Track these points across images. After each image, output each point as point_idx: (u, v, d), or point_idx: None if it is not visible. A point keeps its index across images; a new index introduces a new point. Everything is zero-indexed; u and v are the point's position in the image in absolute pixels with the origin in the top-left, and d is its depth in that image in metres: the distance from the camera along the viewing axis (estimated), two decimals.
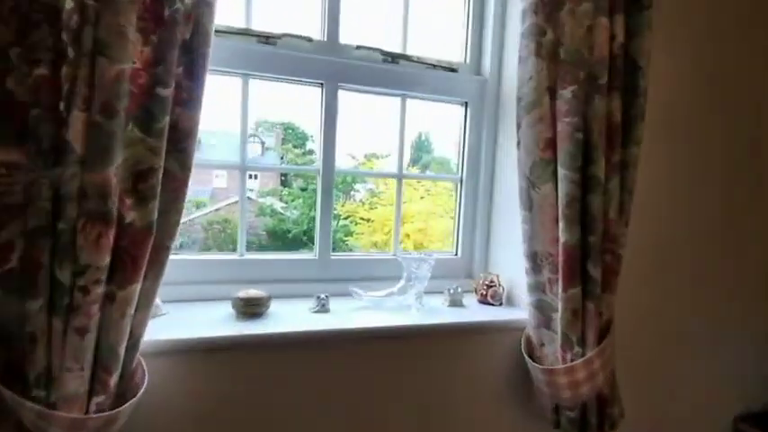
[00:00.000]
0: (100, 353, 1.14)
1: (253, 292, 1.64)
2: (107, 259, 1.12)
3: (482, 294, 1.96)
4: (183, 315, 1.60)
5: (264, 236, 11.34)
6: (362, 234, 8.53)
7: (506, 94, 2.06)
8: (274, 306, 1.69)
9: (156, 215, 1.24)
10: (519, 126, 1.63)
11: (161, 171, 1.24)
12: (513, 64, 1.97)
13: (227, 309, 1.64)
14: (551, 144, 1.58)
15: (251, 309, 1.60)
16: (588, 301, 1.58)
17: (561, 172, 1.55)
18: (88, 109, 1.09)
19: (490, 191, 2.13)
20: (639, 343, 2.03)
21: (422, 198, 8.45)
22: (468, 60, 2.15)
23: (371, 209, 8.65)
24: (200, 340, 1.43)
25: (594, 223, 1.56)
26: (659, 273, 2.06)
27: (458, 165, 2.19)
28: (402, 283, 1.85)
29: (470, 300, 1.97)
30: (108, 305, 1.14)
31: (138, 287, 1.20)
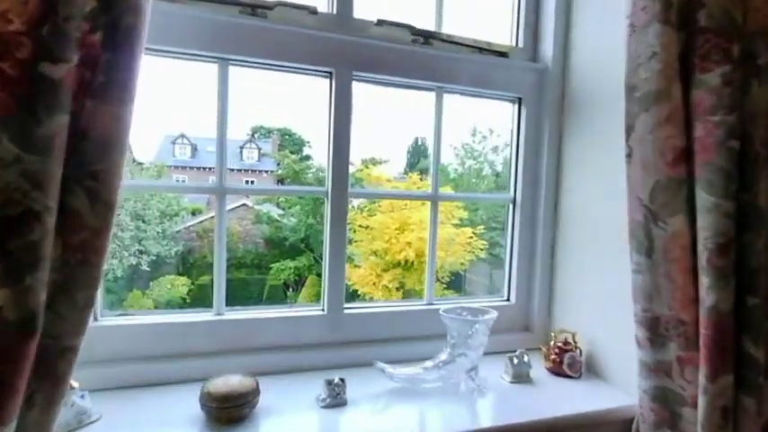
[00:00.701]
0: None
1: (234, 381, 1.06)
2: None
3: (554, 361, 1.38)
4: (125, 417, 1.02)
5: (262, 244, 10.64)
6: (361, 242, 7.94)
7: (576, 89, 1.49)
8: (266, 397, 1.10)
9: (40, 299, 0.66)
10: (630, 130, 1.06)
11: (51, 216, 0.66)
12: (587, 47, 1.41)
13: (194, 406, 1.05)
14: (686, 156, 1.01)
15: (229, 413, 1.01)
16: (745, 394, 1.01)
17: (703, 198, 0.98)
18: None
19: (553, 217, 1.56)
20: None
21: (423, 204, 7.87)
22: (520, 43, 1.58)
23: (370, 216, 8.07)
24: None
25: (756, 278, 0.99)
26: None
27: (510, 180, 1.61)
28: (447, 352, 1.27)
29: (537, 368, 1.39)
30: None
31: None
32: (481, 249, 7.71)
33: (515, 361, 1.32)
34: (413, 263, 7.41)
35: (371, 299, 7.56)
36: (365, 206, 8.27)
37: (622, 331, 1.22)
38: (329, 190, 1.34)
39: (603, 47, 1.38)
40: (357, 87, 1.35)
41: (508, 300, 1.61)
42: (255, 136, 19.24)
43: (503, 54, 1.53)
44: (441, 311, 1.26)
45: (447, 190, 8.27)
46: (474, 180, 10.64)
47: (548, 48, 1.53)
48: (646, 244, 1.05)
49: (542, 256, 1.55)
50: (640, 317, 1.08)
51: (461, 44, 1.48)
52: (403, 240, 7.34)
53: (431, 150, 1.51)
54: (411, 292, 7.68)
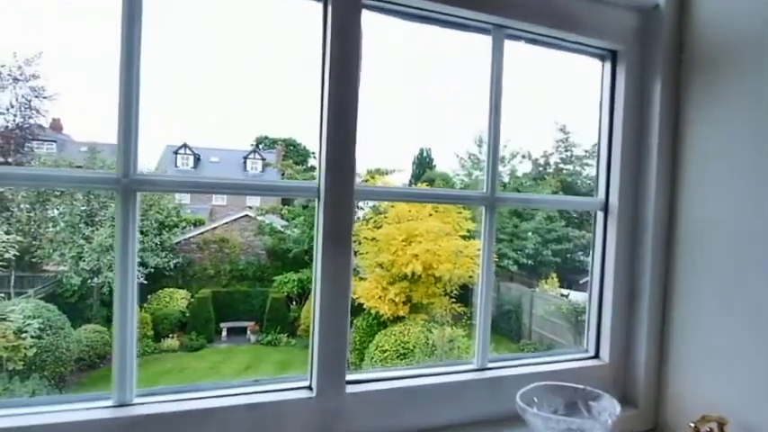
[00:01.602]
0: None
1: None
2: None
3: None
4: None
5: (264, 255, 10.07)
6: (367, 254, 7.35)
7: (703, 36, 0.92)
8: None
9: None
10: None
11: None
12: None
13: None
14: None
15: None
16: None
17: None
18: None
19: (667, 231, 0.97)
20: None
21: (429, 215, 7.27)
22: None
23: (376, 227, 7.49)
24: None
25: None
26: None
27: (598, 176, 1.03)
28: None
29: None
30: None
31: None
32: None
33: None
34: (420, 276, 6.80)
35: (377, 313, 6.94)
36: (370, 217, 7.70)
37: None
38: (321, 186, 0.76)
39: None
40: (369, 19, 0.79)
41: (597, 357, 1.01)
42: (260, 147, 18.76)
43: None
44: (518, 401, 0.68)
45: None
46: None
47: None
48: None
49: (652, 291, 0.96)
50: None
51: None
52: (410, 252, 6.73)
53: (486, 136, 0.93)
54: (418, 306, 7.07)
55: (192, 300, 8.47)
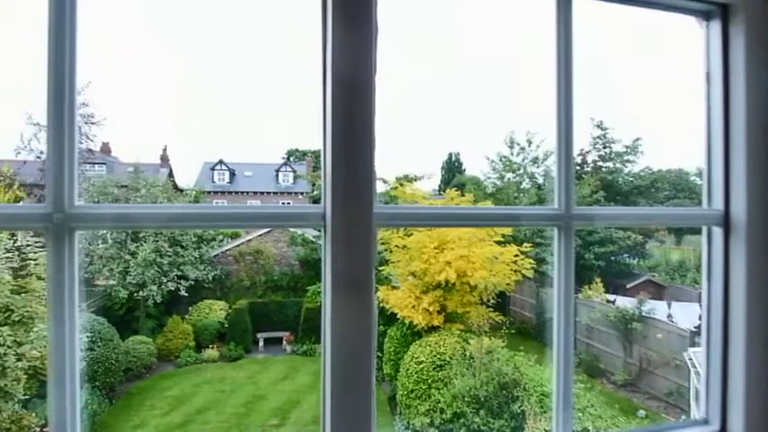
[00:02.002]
0: None
1: None
2: None
3: None
4: None
5: (297, 266, 9.99)
6: (399, 262, 7.09)
7: None
8: None
9: None
10: None
11: None
12: None
13: None
14: None
15: None
16: None
17: None
18: None
19: None
20: None
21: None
22: None
23: (407, 235, 7.22)
24: None
25: None
26: None
27: (708, 179, 0.74)
28: None
29: None
30: None
31: None
32: (527, 269, 6.69)
33: None
34: (454, 284, 6.47)
35: (411, 323, 6.67)
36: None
37: None
38: (326, 211, 0.52)
39: None
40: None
41: (723, 431, 0.71)
42: (291, 159, 18.99)
43: None
44: None
45: (487, 205, 7.35)
46: (515, 194, 9.57)
47: None
48: None
49: None
50: None
51: None
52: (442, 260, 6.42)
53: (556, 118, 0.66)
54: (453, 315, 6.75)
55: (230, 311, 8.48)
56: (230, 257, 9.71)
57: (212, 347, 7.79)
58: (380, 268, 7.46)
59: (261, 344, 8.12)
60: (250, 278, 9.65)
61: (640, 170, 8.35)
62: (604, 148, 8.58)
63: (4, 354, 3.57)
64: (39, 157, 7.85)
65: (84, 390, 5.36)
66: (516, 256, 6.53)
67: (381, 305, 7.21)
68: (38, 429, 4.48)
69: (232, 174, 16.12)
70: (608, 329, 6.46)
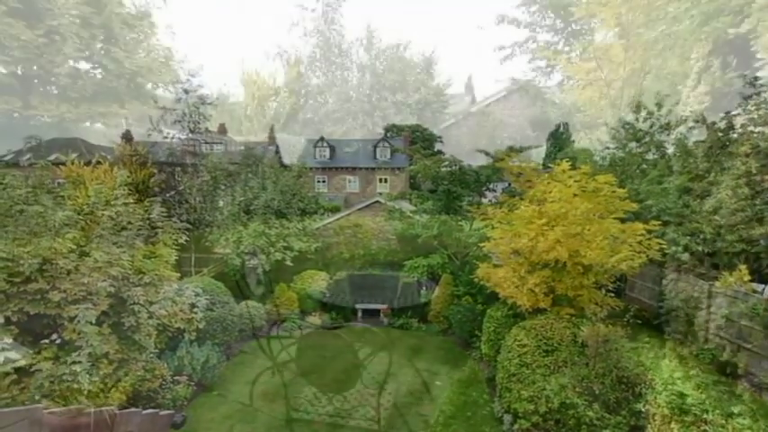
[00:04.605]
0: None
1: None
2: None
3: None
4: None
5: (394, 240, 9.76)
6: (502, 239, 6.43)
7: None
8: None
9: None
10: None
11: None
12: None
13: None
14: None
15: None
16: None
17: None
18: None
19: None
20: None
21: (575, 196, 5.98)
22: None
23: (510, 211, 6.50)
24: None
25: None
26: None
27: None
28: None
29: None
30: None
31: None
32: (655, 250, 5.63)
33: None
34: (564, 264, 5.67)
35: (514, 304, 6.07)
36: (504, 200, 6.78)
37: None
38: None
39: None
40: None
41: None
42: (388, 134, 18.90)
43: None
44: None
45: (603, 177, 6.25)
46: (636, 168, 8.20)
47: None
48: None
49: None
50: None
51: None
52: (552, 237, 5.62)
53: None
54: (562, 298, 5.98)
55: (331, 281, 8.67)
56: (331, 230, 9.93)
57: (314, 315, 8.06)
58: (481, 244, 6.91)
59: (359, 314, 8.20)
60: (349, 251, 9.79)
61: None
62: (757, 109, 6.87)
63: (138, 311, 3.84)
64: (165, 138, 8.61)
65: (205, 345, 5.84)
66: (641, 234, 5.56)
67: (481, 283, 6.71)
68: (169, 377, 4.94)
69: (332, 149, 16.50)
70: (754, 324, 5.26)
